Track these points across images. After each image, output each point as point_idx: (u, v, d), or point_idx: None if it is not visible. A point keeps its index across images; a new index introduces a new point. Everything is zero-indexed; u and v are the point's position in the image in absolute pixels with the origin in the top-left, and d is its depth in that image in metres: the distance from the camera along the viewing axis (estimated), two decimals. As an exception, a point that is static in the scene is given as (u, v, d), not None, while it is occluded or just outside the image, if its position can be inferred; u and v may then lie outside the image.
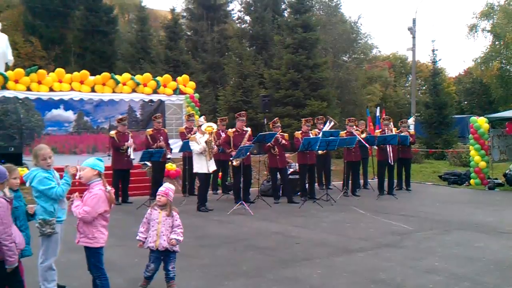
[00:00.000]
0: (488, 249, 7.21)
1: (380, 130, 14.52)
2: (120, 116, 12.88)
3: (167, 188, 5.34)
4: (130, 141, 12.00)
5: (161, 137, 12.28)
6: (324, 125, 14.04)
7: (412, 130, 15.84)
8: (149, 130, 12.57)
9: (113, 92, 15.75)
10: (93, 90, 15.46)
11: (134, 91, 16.16)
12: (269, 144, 11.78)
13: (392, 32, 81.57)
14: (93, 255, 4.84)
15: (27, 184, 4.99)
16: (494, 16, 34.93)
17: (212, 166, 10.85)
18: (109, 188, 4.84)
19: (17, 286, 4.62)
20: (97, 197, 4.74)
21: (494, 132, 15.19)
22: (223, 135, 12.40)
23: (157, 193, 5.31)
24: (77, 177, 4.98)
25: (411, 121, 20.45)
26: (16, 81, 14.29)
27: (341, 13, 31.25)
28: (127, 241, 7.34)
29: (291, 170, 13.32)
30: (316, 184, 13.41)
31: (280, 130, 12.28)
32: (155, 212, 5.30)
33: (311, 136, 12.35)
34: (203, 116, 12.79)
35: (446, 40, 73.25)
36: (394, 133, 13.40)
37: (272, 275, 6.01)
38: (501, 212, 10.59)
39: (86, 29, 28.90)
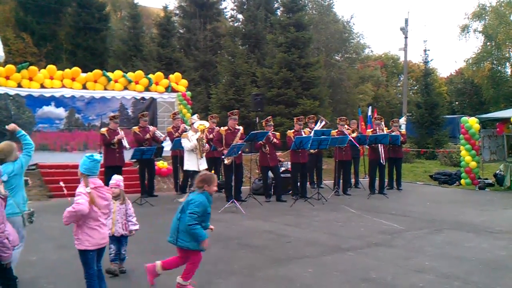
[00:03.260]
0: (478, 248, 7.26)
1: (372, 129, 14.58)
2: (113, 114, 12.88)
3: (117, 180, 5.91)
4: (121, 133, 11.99)
5: (151, 129, 12.70)
6: (315, 124, 14.08)
7: (403, 130, 15.89)
8: (135, 128, 12.79)
9: (105, 89, 15.65)
10: (84, 87, 15.33)
11: (126, 88, 16.06)
12: (260, 142, 11.79)
13: (385, 32, 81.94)
14: (80, 256, 4.78)
15: (4, 178, 5.04)
16: (486, 17, 35.11)
17: (202, 165, 10.84)
18: (88, 189, 4.67)
19: (10, 284, 4.61)
20: (80, 196, 4.62)
21: (485, 133, 15.27)
22: (216, 128, 12.45)
23: (109, 186, 5.60)
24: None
25: (402, 120, 20.52)
26: (7, 78, 14.15)
27: (333, 12, 31.31)
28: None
29: (283, 168, 13.33)
30: (308, 183, 13.44)
31: (272, 129, 12.29)
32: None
33: (303, 135, 12.38)
34: (196, 115, 12.76)
35: (438, 40, 73.86)
36: (385, 132, 13.46)
37: (263, 273, 6.02)
38: (491, 212, 10.66)
39: (78, 26, 28.75)
